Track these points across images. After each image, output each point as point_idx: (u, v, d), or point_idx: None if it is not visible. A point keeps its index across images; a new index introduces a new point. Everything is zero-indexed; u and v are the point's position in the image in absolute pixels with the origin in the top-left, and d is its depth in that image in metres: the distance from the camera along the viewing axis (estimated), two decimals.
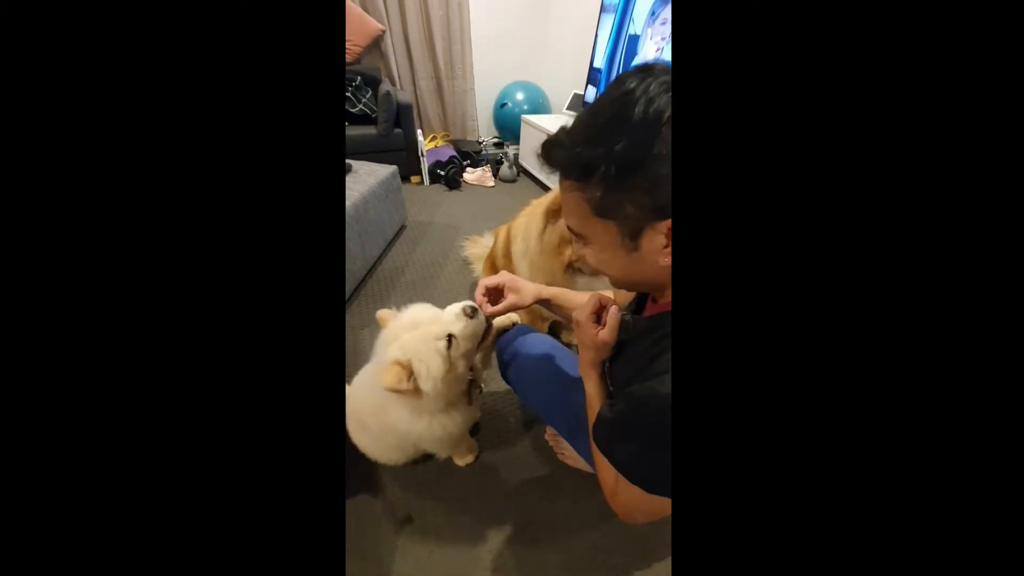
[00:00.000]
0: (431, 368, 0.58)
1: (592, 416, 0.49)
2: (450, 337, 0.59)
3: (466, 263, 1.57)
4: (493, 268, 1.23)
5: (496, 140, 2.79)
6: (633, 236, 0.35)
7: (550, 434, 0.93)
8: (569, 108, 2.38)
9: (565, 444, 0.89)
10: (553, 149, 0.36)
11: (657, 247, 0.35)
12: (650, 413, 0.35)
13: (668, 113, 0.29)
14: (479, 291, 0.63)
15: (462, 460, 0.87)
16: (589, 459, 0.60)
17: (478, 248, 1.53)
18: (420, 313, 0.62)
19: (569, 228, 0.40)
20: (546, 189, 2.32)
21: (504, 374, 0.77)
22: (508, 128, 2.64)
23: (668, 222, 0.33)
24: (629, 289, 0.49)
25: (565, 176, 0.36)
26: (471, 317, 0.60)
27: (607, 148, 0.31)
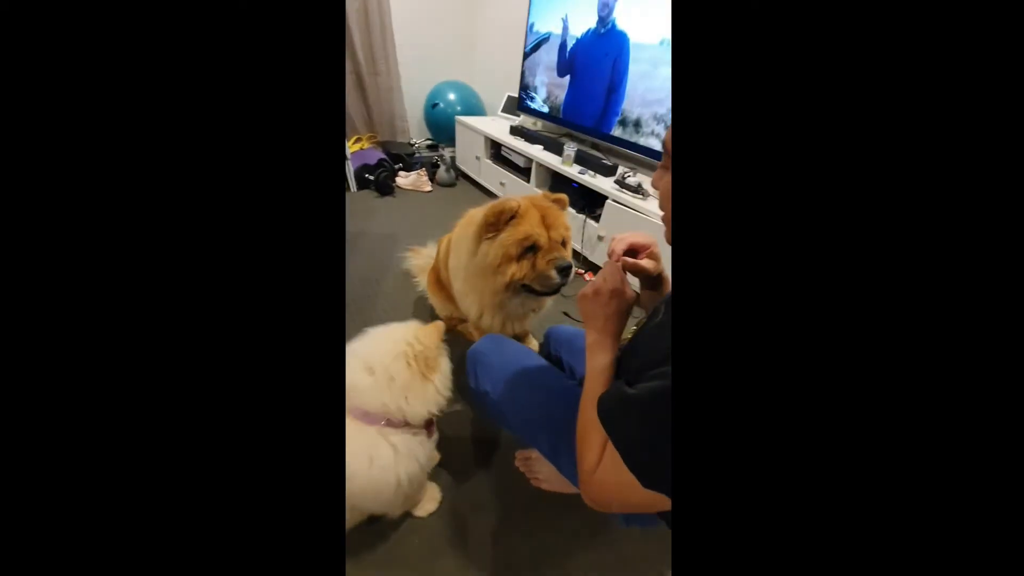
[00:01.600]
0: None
1: (593, 388, 0.46)
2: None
3: (409, 276, 1.43)
4: (438, 281, 1.13)
5: (430, 142, 2.65)
6: None
7: (520, 459, 0.87)
8: (504, 111, 2.34)
9: (539, 467, 0.84)
10: None
11: None
12: None
13: None
14: (622, 244, 0.55)
15: (423, 510, 0.76)
16: (572, 476, 0.55)
17: (421, 259, 1.41)
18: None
19: (664, 146, 0.39)
20: (487, 192, 2.25)
21: (474, 388, 0.68)
22: (442, 129, 2.52)
23: None
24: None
25: None
26: None
27: None
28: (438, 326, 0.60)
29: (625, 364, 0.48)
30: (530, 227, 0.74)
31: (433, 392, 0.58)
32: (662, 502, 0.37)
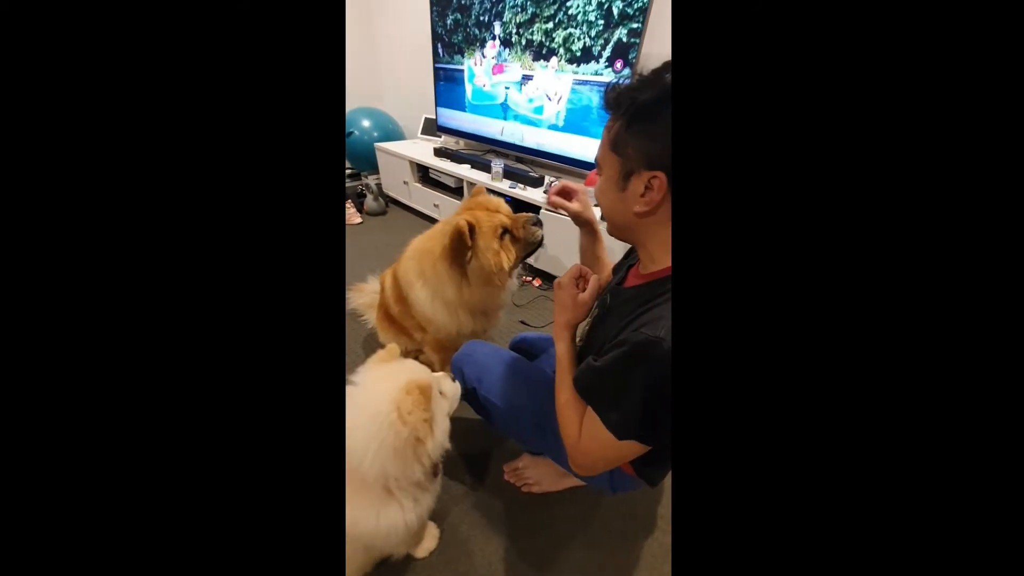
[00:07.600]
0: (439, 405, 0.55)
1: (562, 374, 0.55)
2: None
3: (355, 316, 1.37)
4: (387, 317, 1.11)
5: (351, 171, 2.55)
6: (626, 176, 0.45)
7: (509, 471, 0.89)
8: (424, 133, 2.35)
9: (528, 473, 0.88)
10: (611, 88, 0.45)
11: (636, 193, 0.44)
12: (643, 354, 0.40)
13: None
14: (556, 187, 0.69)
15: (423, 550, 0.74)
16: (557, 451, 0.61)
17: (366, 297, 1.36)
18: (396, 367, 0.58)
19: (596, 160, 0.50)
20: (422, 216, 2.23)
21: (463, 388, 0.74)
22: (362, 157, 2.44)
23: (649, 174, 0.42)
24: (613, 230, 0.56)
25: (606, 106, 0.46)
26: (455, 381, 0.63)
27: (635, 96, 0.42)
28: (431, 378, 0.56)
29: (589, 344, 0.57)
30: (489, 220, 0.85)
31: (428, 452, 0.55)
32: (633, 451, 0.46)
